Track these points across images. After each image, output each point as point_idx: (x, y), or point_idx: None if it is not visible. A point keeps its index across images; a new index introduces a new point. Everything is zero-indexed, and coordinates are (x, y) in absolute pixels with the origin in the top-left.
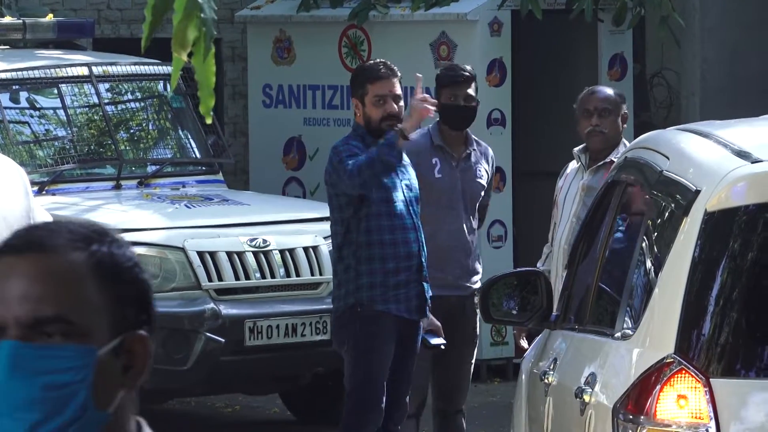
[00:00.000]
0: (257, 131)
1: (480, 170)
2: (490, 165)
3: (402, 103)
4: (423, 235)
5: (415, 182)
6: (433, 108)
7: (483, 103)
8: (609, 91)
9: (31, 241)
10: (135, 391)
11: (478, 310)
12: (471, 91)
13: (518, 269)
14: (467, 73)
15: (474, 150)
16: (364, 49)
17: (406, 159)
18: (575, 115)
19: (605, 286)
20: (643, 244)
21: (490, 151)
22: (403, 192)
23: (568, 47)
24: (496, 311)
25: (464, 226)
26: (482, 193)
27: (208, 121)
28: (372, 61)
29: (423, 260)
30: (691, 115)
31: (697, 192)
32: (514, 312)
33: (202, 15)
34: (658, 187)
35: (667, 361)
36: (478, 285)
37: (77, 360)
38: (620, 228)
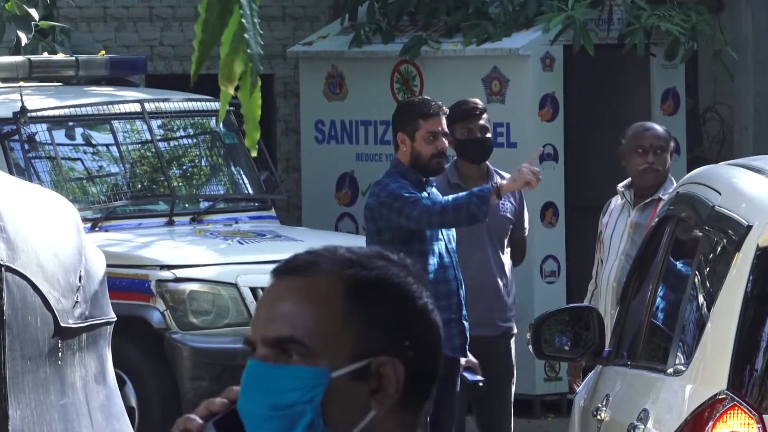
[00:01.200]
0: (310, 167)
1: (504, 204)
2: (517, 197)
3: (446, 141)
4: (461, 273)
5: None
6: (536, 182)
7: (535, 137)
8: (660, 128)
9: (292, 265)
10: (412, 415)
11: (514, 349)
12: (485, 123)
13: (571, 305)
14: (480, 106)
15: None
16: (416, 85)
17: (437, 195)
18: (622, 151)
19: (658, 322)
20: (696, 280)
21: None
22: (441, 230)
23: (620, 82)
24: (548, 347)
25: (491, 261)
26: (511, 226)
27: (254, 153)
28: (419, 98)
29: (462, 298)
30: (744, 149)
31: (749, 227)
32: (567, 348)
33: (248, 50)
34: (710, 222)
35: (720, 397)
36: (510, 323)
37: (305, 381)
38: (672, 263)
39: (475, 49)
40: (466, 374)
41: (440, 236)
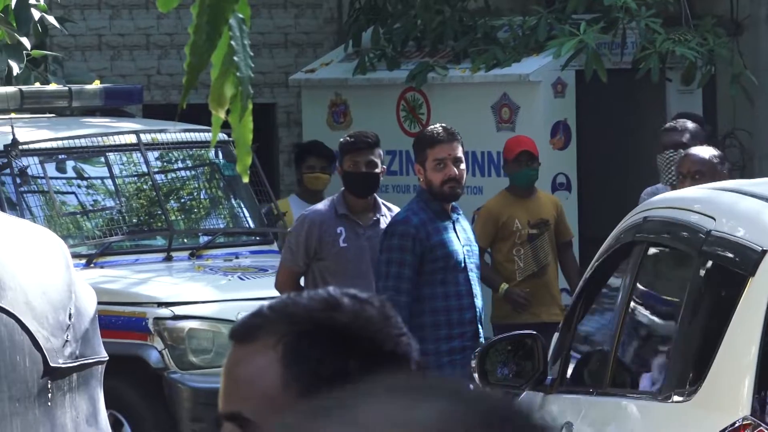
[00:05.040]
0: None
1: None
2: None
3: (463, 166)
4: (481, 301)
5: (475, 247)
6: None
7: (547, 166)
8: (705, 153)
9: (238, 331)
10: None
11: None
12: (374, 158)
13: (514, 333)
14: (369, 140)
15: (383, 216)
16: (423, 113)
17: (465, 222)
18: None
19: (635, 349)
20: (692, 305)
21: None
22: (463, 257)
23: (635, 107)
24: (492, 376)
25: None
26: None
27: (245, 179)
28: (432, 126)
29: (480, 327)
30: (766, 176)
31: (764, 252)
32: (510, 377)
33: (238, 73)
34: (707, 248)
35: (744, 423)
36: None
37: None
38: (647, 289)
39: (483, 75)
40: None
41: (457, 265)
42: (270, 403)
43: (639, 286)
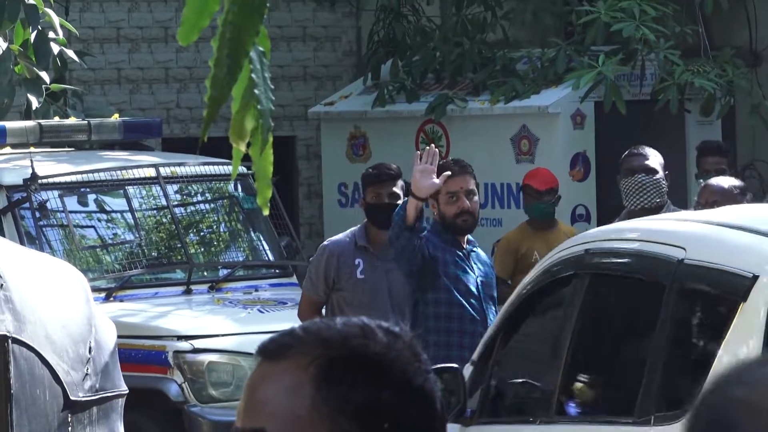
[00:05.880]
0: (333, 232)
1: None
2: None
3: (476, 198)
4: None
5: (493, 280)
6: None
7: (567, 198)
8: (724, 183)
9: (267, 348)
10: None
11: None
12: (396, 189)
13: (434, 366)
14: (391, 172)
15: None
16: (443, 145)
17: (481, 255)
18: None
19: (592, 376)
20: (669, 331)
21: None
22: (477, 286)
23: (654, 138)
24: None
25: None
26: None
27: (265, 212)
28: (444, 160)
29: None
30: None
31: (755, 277)
32: None
33: (259, 106)
34: (681, 276)
35: None
36: None
37: None
38: (600, 319)
39: (502, 107)
40: None
41: (469, 291)
42: (296, 422)
43: (586, 316)
